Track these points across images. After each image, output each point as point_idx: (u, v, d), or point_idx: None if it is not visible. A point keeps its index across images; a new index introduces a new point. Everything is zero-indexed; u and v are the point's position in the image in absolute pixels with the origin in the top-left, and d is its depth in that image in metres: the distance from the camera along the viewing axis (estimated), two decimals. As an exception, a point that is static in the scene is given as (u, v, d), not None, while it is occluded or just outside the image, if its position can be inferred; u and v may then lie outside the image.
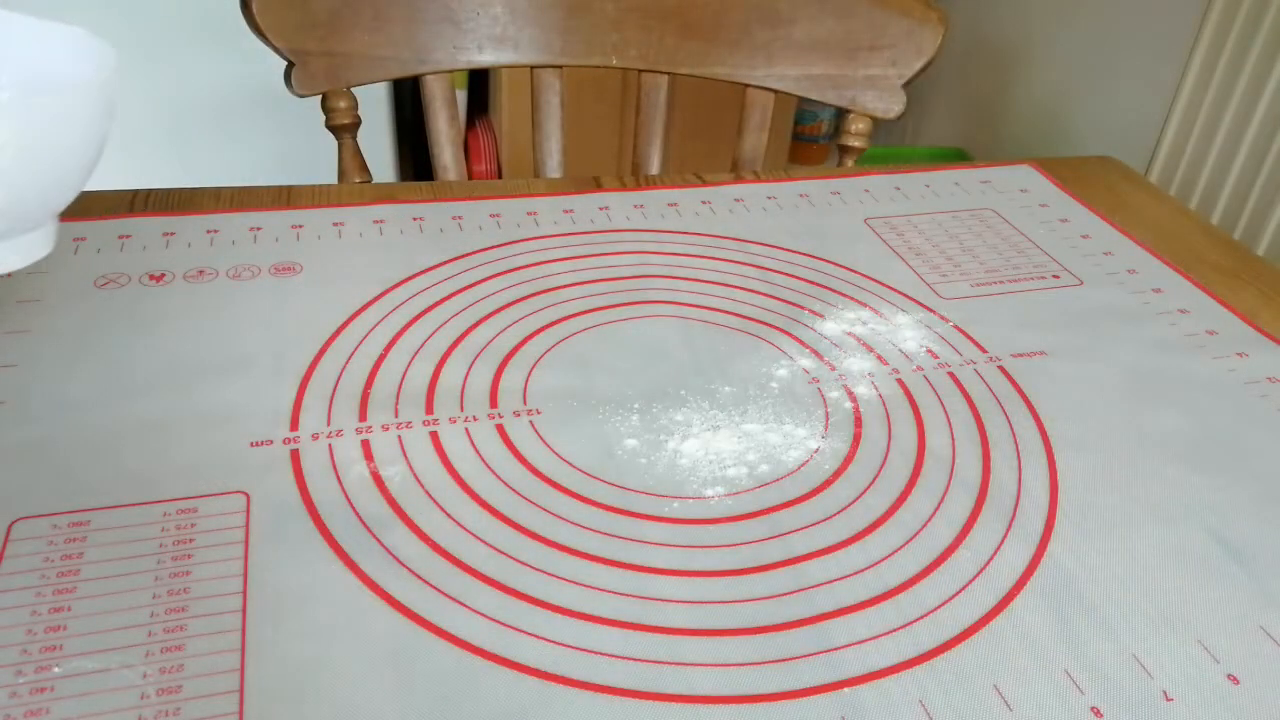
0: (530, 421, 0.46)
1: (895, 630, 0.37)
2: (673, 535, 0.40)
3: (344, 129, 0.80)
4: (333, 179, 0.83)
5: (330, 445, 0.43)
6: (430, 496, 0.41)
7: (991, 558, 0.40)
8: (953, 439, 0.47)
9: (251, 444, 0.43)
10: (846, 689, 0.35)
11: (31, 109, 0.31)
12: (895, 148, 1.99)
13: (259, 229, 0.59)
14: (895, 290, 0.58)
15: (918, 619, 0.38)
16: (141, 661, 0.33)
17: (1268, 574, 0.41)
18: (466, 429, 0.45)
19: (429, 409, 0.46)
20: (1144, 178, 0.78)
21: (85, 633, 0.34)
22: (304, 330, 0.51)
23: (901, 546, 0.41)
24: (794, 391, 0.49)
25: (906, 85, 0.81)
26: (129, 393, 0.45)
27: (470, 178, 1.23)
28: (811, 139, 2.09)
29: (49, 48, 0.33)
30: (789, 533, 0.41)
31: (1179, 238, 0.66)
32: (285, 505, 0.40)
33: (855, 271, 0.60)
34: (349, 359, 0.49)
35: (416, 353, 0.50)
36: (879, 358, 0.52)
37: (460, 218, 0.62)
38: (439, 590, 0.37)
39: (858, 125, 0.83)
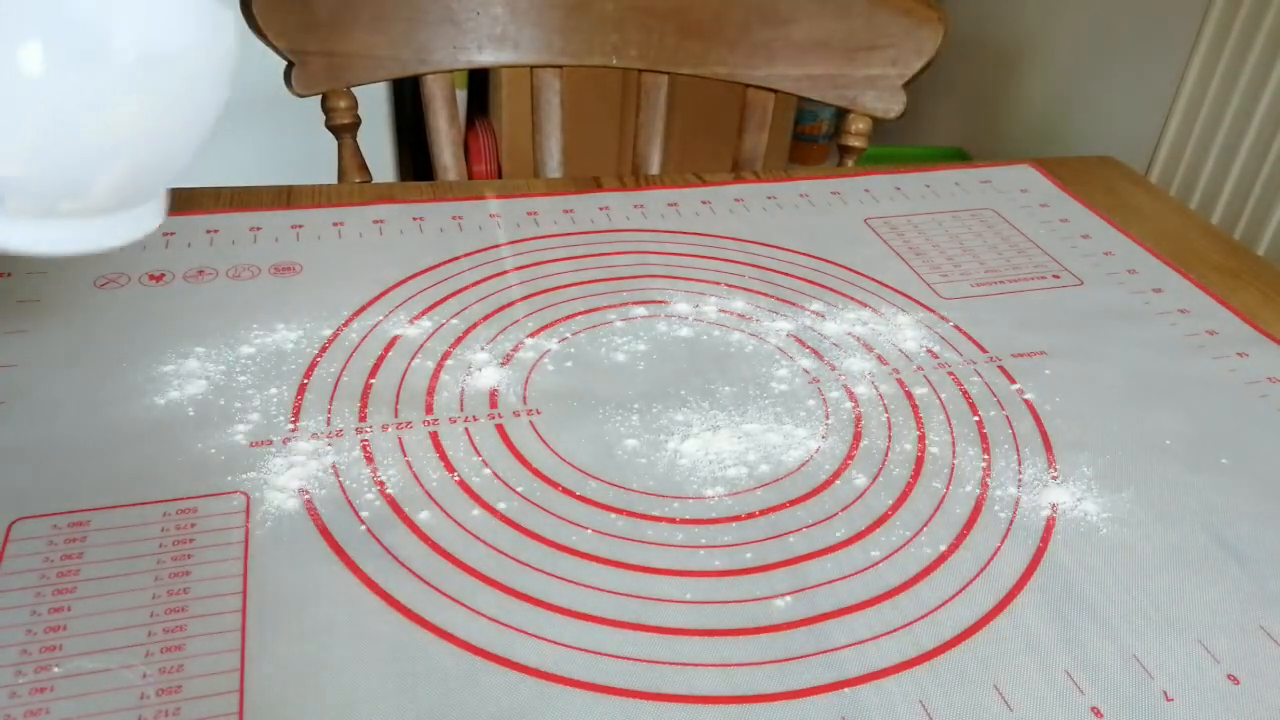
0: (530, 421, 0.46)
1: (895, 630, 0.37)
2: (673, 535, 0.40)
3: (344, 129, 0.80)
4: (333, 179, 0.83)
5: (330, 445, 0.43)
6: (430, 497, 0.41)
7: (991, 558, 0.40)
8: (953, 439, 0.47)
9: (251, 444, 0.43)
10: (846, 689, 0.35)
11: (153, 76, 0.29)
12: (895, 148, 1.99)
13: (259, 229, 0.59)
14: (895, 290, 0.58)
15: (918, 619, 0.38)
16: (141, 661, 0.33)
17: (1268, 574, 0.41)
18: (466, 429, 0.45)
19: (429, 409, 0.46)
20: (1144, 178, 0.78)
21: (85, 633, 0.34)
22: (304, 330, 0.51)
23: (901, 546, 0.41)
24: (794, 391, 0.49)
25: (906, 85, 0.81)
26: (129, 393, 0.45)
27: (470, 178, 1.23)
28: (811, 139, 2.09)
29: (172, 10, 0.31)
30: (789, 533, 0.41)
31: (1179, 238, 0.66)
32: (285, 505, 0.40)
33: (855, 271, 0.60)
34: (349, 359, 0.49)
35: (416, 353, 0.50)
36: (879, 358, 0.52)
37: (460, 218, 0.62)
38: (439, 590, 0.37)
39: (858, 125, 0.83)
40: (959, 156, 1.88)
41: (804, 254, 0.61)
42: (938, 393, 0.50)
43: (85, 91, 0.28)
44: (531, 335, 0.52)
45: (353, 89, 0.79)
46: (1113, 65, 1.55)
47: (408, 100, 1.70)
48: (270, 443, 0.43)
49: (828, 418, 0.48)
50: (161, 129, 0.30)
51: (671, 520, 0.41)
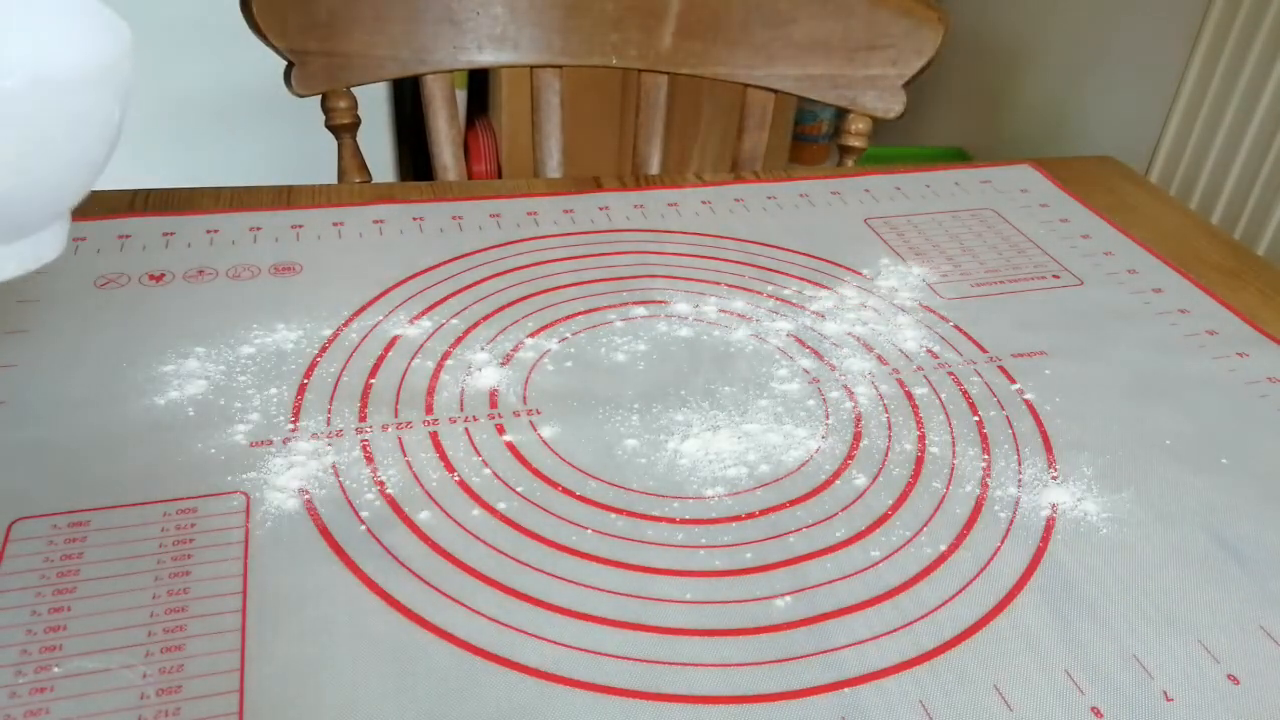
0: (530, 421, 0.46)
1: (895, 630, 0.37)
2: (673, 535, 0.40)
3: (344, 129, 0.80)
4: (333, 179, 0.83)
5: (330, 445, 0.43)
6: (430, 497, 0.41)
7: (991, 558, 0.40)
8: (953, 439, 0.47)
9: (251, 444, 0.43)
10: (846, 689, 0.35)
11: (40, 99, 0.27)
12: (895, 148, 1.99)
13: (259, 229, 0.59)
14: (895, 290, 0.58)
15: (918, 619, 0.38)
16: (141, 661, 0.33)
17: (1268, 574, 0.41)
18: (466, 429, 0.45)
19: (429, 409, 0.46)
20: (1144, 178, 0.78)
21: (85, 633, 0.34)
22: (304, 330, 0.51)
23: (901, 546, 0.41)
24: (794, 391, 0.49)
25: (906, 85, 0.81)
26: (129, 393, 0.45)
27: (470, 178, 1.23)
28: (811, 139, 2.09)
29: (60, 24, 0.29)
30: (789, 533, 0.41)
31: (1179, 238, 0.66)
32: (285, 505, 0.40)
33: (855, 272, 0.60)
34: (349, 359, 0.49)
35: (416, 353, 0.50)
36: (879, 358, 0.52)
37: (460, 218, 0.62)
38: (439, 590, 0.37)
39: (858, 125, 0.83)
40: (959, 156, 1.88)
41: (804, 254, 0.61)
42: (938, 393, 0.50)
43: None
44: (531, 335, 0.52)
45: (353, 89, 0.79)
46: (1113, 65, 1.55)
47: (408, 100, 1.70)
48: (270, 443, 0.43)
49: (828, 418, 0.48)
50: (49, 158, 0.28)
51: (671, 520, 0.41)
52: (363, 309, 0.53)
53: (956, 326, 0.55)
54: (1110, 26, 1.54)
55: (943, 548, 0.41)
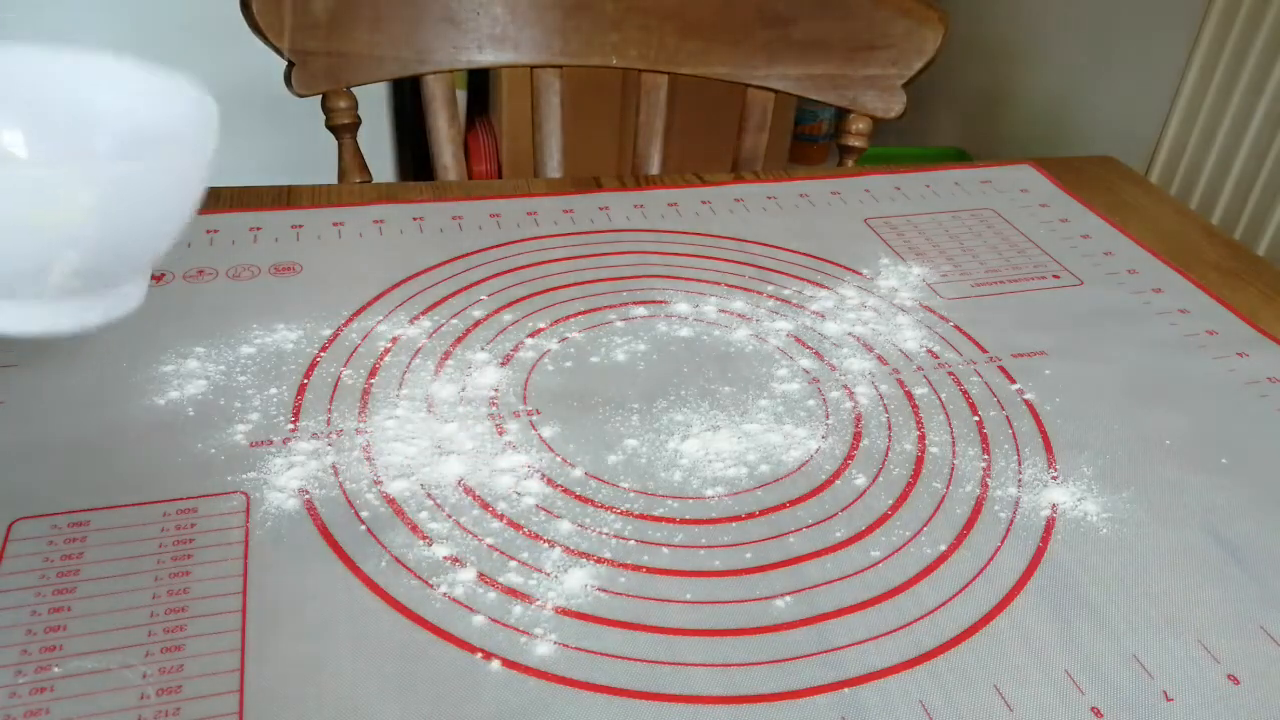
0: (530, 421, 0.46)
1: (895, 630, 0.37)
2: (672, 535, 0.40)
3: (344, 129, 0.80)
4: (333, 179, 0.83)
5: (330, 445, 0.43)
6: (430, 496, 0.41)
7: (991, 558, 0.40)
8: (953, 439, 0.47)
9: (251, 444, 0.43)
10: (846, 689, 0.35)
11: (127, 165, 0.30)
12: (895, 148, 1.99)
13: (259, 229, 0.59)
14: (895, 290, 0.58)
15: (918, 619, 0.38)
16: (141, 661, 0.34)
17: (1268, 574, 0.41)
18: (467, 429, 0.45)
19: (429, 409, 0.46)
20: (1144, 178, 0.78)
21: (85, 633, 0.34)
22: (304, 330, 0.51)
23: (901, 546, 0.41)
24: (794, 391, 0.49)
25: (907, 85, 0.81)
26: (129, 393, 0.45)
27: (470, 178, 1.23)
28: (811, 139, 2.09)
29: (149, 98, 0.32)
30: (789, 533, 0.41)
31: (1179, 238, 0.66)
32: (285, 505, 0.40)
33: (855, 272, 0.60)
34: (349, 359, 0.49)
35: (416, 353, 0.50)
36: (879, 358, 0.52)
37: (460, 218, 0.62)
38: (439, 590, 0.37)
39: (858, 125, 0.83)
40: (959, 156, 1.88)
41: (804, 254, 0.61)
42: (938, 393, 0.50)
43: (58, 179, 0.28)
44: (531, 335, 0.52)
45: (353, 89, 0.79)
46: (1113, 65, 1.55)
47: (408, 100, 1.70)
48: (270, 443, 0.43)
49: (828, 418, 0.48)
50: (133, 219, 0.30)
51: (671, 520, 0.41)
52: (363, 309, 0.53)
53: (956, 326, 0.55)
54: (1110, 26, 1.54)
55: (943, 548, 0.41)
